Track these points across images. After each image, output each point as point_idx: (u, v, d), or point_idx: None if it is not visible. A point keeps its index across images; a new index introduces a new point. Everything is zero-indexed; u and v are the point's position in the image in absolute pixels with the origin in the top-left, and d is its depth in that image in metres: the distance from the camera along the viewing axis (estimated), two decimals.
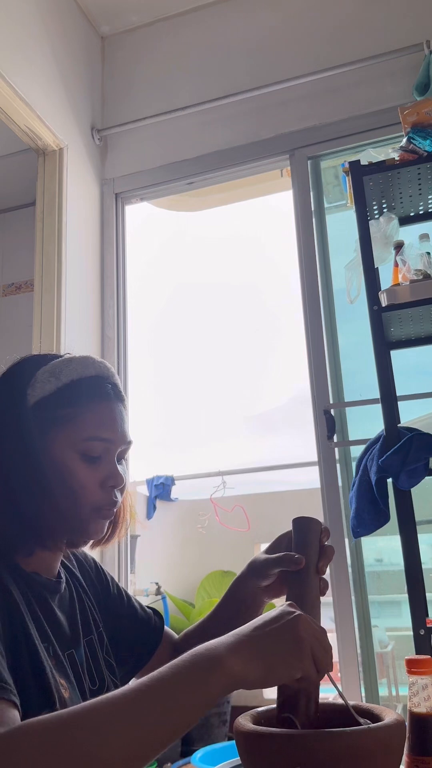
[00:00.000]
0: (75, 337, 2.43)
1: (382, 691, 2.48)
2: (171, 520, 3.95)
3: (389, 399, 1.80)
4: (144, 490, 3.78)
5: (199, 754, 2.14)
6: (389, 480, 1.72)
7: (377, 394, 1.81)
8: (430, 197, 2.05)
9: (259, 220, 3.85)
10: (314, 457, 2.25)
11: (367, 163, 1.97)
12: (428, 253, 1.89)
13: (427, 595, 1.64)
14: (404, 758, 0.74)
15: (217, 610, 0.99)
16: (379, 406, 1.81)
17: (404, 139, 1.97)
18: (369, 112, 2.42)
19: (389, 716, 0.69)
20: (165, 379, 4.17)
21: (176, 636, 1.06)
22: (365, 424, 2.24)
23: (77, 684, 0.83)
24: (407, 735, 0.74)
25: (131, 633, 1.00)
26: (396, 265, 1.94)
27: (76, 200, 2.57)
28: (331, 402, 2.26)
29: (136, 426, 2.60)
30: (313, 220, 2.46)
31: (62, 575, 0.91)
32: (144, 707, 0.61)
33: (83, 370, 0.89)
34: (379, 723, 0.67)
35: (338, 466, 2.22)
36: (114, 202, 2.78)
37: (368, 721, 0.71)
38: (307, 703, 0.72)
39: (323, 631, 0.71)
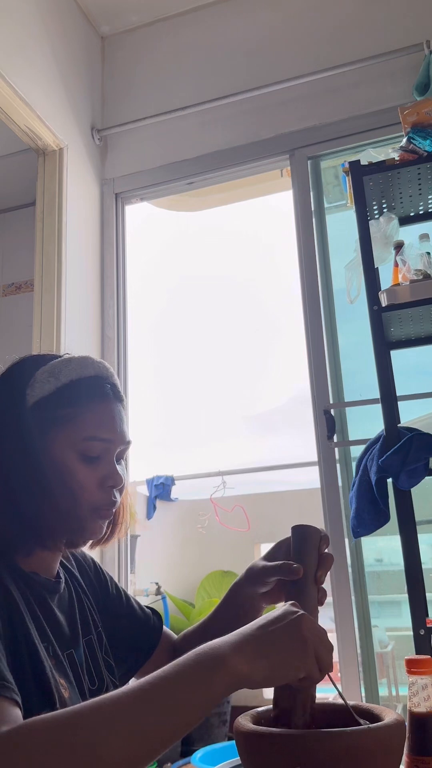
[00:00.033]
0: (75, 337, 2.43)
1: (382, 691, 2.48)
2: (171, 520, 3.95)
3: (389, 399, 1.80)
4: (144, 490, 3.78)
5: (199, 754, 2.14)
6: (389, 480, 1.72)
7: (377, 394, 1.81)
8: (430, 197, 2.05)
9: (259, 220, 3.85)
10: (314, 457, 2.25)
11: (367, 163, 1.97)
12: (428, 253, 1.89)
13: (427, 595, 1.64)
14: (404, 758, 0.74)
15: (216, 613, 0.99)
16: (379, 406, 1.80)
17: (404, 139, 1.97)
18: (369, 112, 2.42)
19: (389, 716, 0.69)
20: (165, 379, 4.17)
21: (175, 636, 1.06)
22: (365, 424, 2.24)
23: (77, 684, 0.83)
24: (407, 735, 0.74)
25: (130, 633, 1.00)
26: (396, 265, 1.94)
27: (76, 200, 2.57)
28: (331, 402, 2.26)
29: (136, 426, 2.60)
30: (313, 220, 2.46)
31: (61, 575, 0.91)
32: (148, 705, 0.61)
33: (82, 370, 0.89)
34: (379, 723, 0.67)
35: (338, 466, 2.22)
36: (114, 202, 2.78)
37: (367, 722, 0.71)
38: (305, 703, 0.72)
39: (324, 631, 0.71)
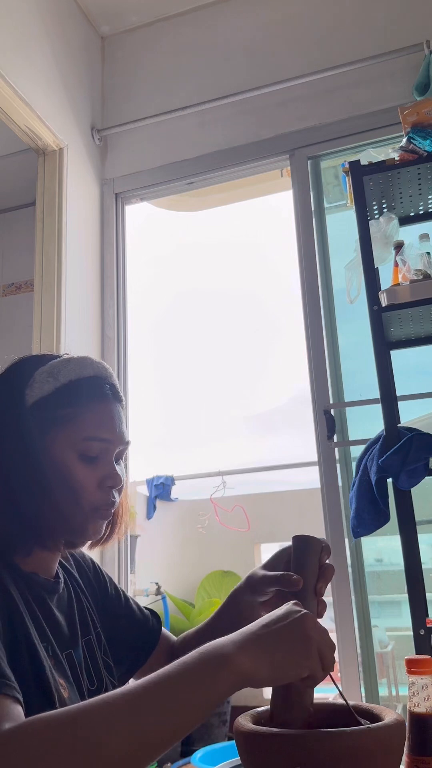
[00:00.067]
0: (75, 337, 2.43)
1: (382, 691, 2.48)
2: (171, 520, 3.95)
3: (389, 399, 1.80)
4: (144, 490, 3.78)
5: (199, 754, 2.15)
6: (389, 480, 1.72)
7: (377, 394, 1.81)
8: (430, 197, 2.05)
9: (259, 220, 3.85)
10: (314, 457, 2.25)
11: (367, 163, 1.97)
12: (428, 253, 1.89)
13: (427, 595, 1.64)
14: (404, 758, 0.74)
15: (215, 618, 0.98)
16: (379, 406, 1.80)
17: (404, 139, 1.97)
18: (369, 112, 2.42)
19: (389, 716, 0.69)
20: (165, 378, 4.18)
21: (174, 639, 1.06)
22: (365, 424, 2.24)
23: (76, 684, 0.83)
24: (407, 735, 0.74)
25: (129, 634, 1.00)
26: (396, 265, 1.94)
27: (76, 200, 2.57)
28: (331, 402, 2.26)
29: (136, 426, 2.60)
30: (313, 220, 2.46)
31: (60, 575, 0.91)
32: (151, 703, 0.61)
33: (81, 371, 0.89)
34: (379, 723, 0.67)
35: (338, 466, 2.22)
36: (114, 202, 2.78)
37: (368, 722, 0.71)
38: (305, 702, 0.72)
39: (326, 631, 0.71)
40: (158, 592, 3.35)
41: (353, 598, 2.11)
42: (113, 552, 2.43)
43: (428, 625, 1.59)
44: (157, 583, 3.39)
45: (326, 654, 0.68)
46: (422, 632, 1.59)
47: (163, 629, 1.04)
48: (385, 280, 2.03)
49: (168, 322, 4.22)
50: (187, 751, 2.61)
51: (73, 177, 2.57)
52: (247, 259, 4.15)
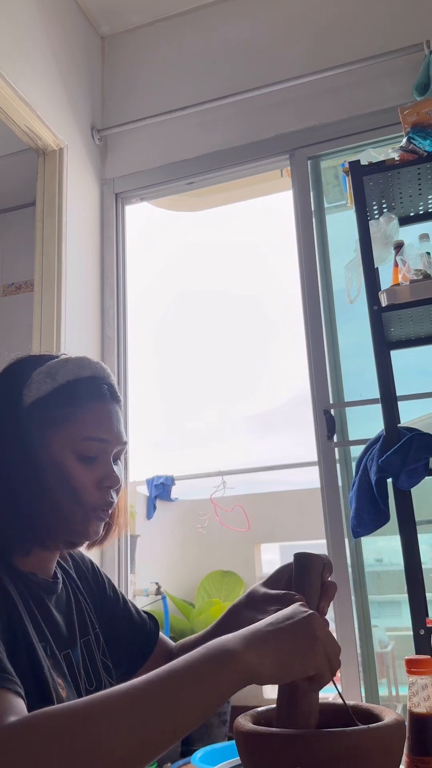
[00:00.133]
0: (75, 337, 2.43)
1: (382, 691, 2.48)
2: (171, 520, 3.96)
3: (389, 399, 1.80)
4: (144, 490, 3.78)
5: (199, 754, 2.15)
6: (389, 480, 1.72)
7: (377, 394, 1.81)
8: (430, 197, 2.05)
9: (259, 220, 3.86)
10: (314, 457, 2.25)
11: (367, 163, 1.97)
12: (428, 253, 1.89)
13: (427, 595, 1.64)
14: (404, 758, 0.74)
15: (214, 628, 0.97)
16: (379, 406, 1.80)
17: (404, 139, 1.97)
18: (369, 112, 2.42)
19: (389, 716, 0.69)
20: (165, 379, 4.18)
21: (172, 644, 1.05)
22: (365, 424, 2.24)
23: (74, 684, 0.83)
24: (407, 735, 0.74)
25: (126, 636, 1.00)
26: (396, 265, 1.94)
27: (76, 200, 2.57)
28: (331, 402, 2.26)
29: (136, 426, 2.60)
30: (313, 220, 2.46)
31: (59, 576, 0.91)
32: (155, 699, 0.61)
33: (79, 371, 0.89)
34: (379, 723, 0.67)
35: (338, 466, 2.22)
36: (114, 202, 2.78)
37: (360, 723, 0.71)
38: (311, 704, 0.72)
39: (332, 634, 0.70)
40: (158, 592, 3.35)
41: (353, 598, 2.11)
42: (113, 552, 2.43)
43: (428, 625, 1.59)
44: (157, 583, 3.39)
45: (333, 654, 0.68)
46: (422, 632, 1.59)
47: (161, 634, 1.04)
48: (385, 280, 2.03)
49: (168, 322, 4.22)
50: (187, 751, 2.61)
51: (73, 177, 2.57)
52: (247, 259, 4.15)
